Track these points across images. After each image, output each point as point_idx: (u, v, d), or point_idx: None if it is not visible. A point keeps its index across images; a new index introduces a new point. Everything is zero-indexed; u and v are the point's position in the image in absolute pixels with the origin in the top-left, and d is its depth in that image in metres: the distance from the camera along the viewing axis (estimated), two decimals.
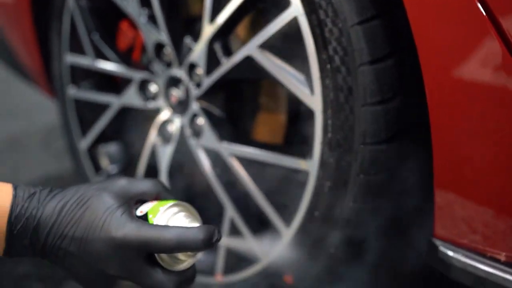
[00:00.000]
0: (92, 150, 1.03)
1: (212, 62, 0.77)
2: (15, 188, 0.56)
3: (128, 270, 0.54)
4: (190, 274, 0.56)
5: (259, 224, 0.79)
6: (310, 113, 0.66)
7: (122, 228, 0.53)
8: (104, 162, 1.04)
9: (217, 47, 0.77)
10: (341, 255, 0.68)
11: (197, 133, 0.84)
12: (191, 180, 0.90)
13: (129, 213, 0.55)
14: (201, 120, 0.83)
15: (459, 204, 0.60)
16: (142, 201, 0.58)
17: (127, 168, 1.03)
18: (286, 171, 0.73)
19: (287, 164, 0.70)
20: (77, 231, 0.55)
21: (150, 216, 0.55)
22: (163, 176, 0.88)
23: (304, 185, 0.69)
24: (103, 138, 1.02)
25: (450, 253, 0.60)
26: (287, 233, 0.72)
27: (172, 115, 0.88)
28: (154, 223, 0.54)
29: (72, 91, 1.02)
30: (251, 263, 0.78)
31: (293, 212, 0.71)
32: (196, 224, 0.55)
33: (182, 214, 0.55)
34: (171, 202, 0.56)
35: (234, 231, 0.80)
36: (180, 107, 0.86)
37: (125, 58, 0.95)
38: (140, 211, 0.56)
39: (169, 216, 0.55)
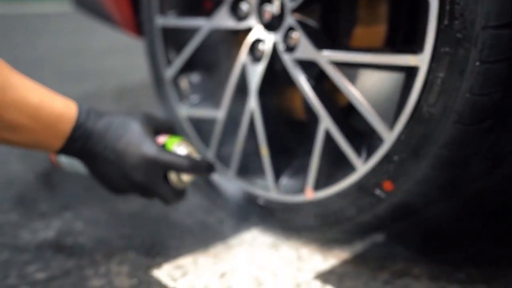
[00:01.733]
0: (176, 79, 1.04)
1: None
2: (78, 105, 0.74)
3: (149, 179, 0.75)
4: (184, 193, 0.81)
5: (355, 133, 0.76)
6: (421, 4, 0.63)
7: (152, 149, 0.74)
8: (188, 91, 1.04)
9: None
10: (449, 154, 0.64)
11: (291, 47, 0.83)
12: (283, 96, 0.89)
13: (155, 141, 0.76)
14: (296, 34, 0.82)
15: None
16: (157, 131, 0.80)
17: (211, 96, 1.03)
18: (389, 72, 0.71)
19: (394, 62, 0.68)
20: (118, 145, 0.73)
21: (167, 146, 0.78)
22: (253, 95, 0.88)
23: (411, 83, 0.66)
24: (188, 67, 1.03)
25: None
26: (390, 136, 0.69)
27: (264, 33, 0.87)
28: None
29: (160, 20, 1.03)
30: (345, 175, 0.76)
31: (397, 114, 0.68)
32: (198, 156, 0.80)
33: (189, 148, 0.80)
34: (180, 140, 0.80)
35: (328, 142, 0.78)
36: (273, 23, 0.85)
37: None
38: (159, 142, 0.78)
39: (182, 149, 0.78)
